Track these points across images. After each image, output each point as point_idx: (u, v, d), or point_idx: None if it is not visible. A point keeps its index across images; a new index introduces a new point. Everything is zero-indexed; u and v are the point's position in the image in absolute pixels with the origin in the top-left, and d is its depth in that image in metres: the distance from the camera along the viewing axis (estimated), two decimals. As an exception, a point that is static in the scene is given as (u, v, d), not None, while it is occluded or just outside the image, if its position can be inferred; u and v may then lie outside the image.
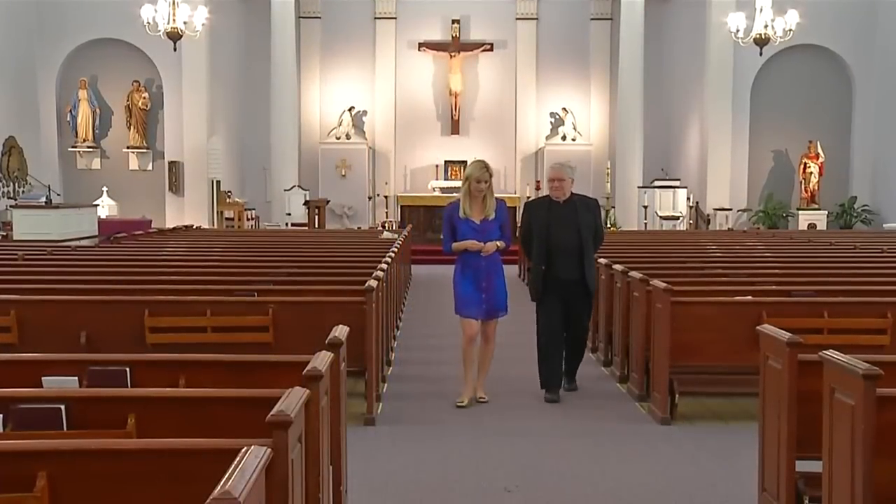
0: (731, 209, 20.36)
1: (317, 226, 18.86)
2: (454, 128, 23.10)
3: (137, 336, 5.92)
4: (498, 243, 6.74)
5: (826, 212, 20.26)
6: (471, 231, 6.69)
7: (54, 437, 3.12)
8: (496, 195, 6.92)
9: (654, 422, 6.33)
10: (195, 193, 20.09)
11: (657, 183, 19.79)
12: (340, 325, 4.38)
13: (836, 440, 3.54)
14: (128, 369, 3.93)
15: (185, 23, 16.27)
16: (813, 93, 20.59)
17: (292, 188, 20.80)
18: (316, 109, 23.38)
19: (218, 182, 20.50)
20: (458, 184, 22.01)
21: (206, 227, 18.71)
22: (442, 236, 6.88)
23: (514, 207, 18.23)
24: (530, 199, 6.80)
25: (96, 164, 20.19)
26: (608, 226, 20.15)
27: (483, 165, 6.72)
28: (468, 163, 7.08)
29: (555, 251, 6.84)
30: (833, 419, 3.57)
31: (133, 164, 20.32)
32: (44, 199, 14.80)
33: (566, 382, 7.18)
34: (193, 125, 19.80)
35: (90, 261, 9.71)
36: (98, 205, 17.96)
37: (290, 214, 20.46)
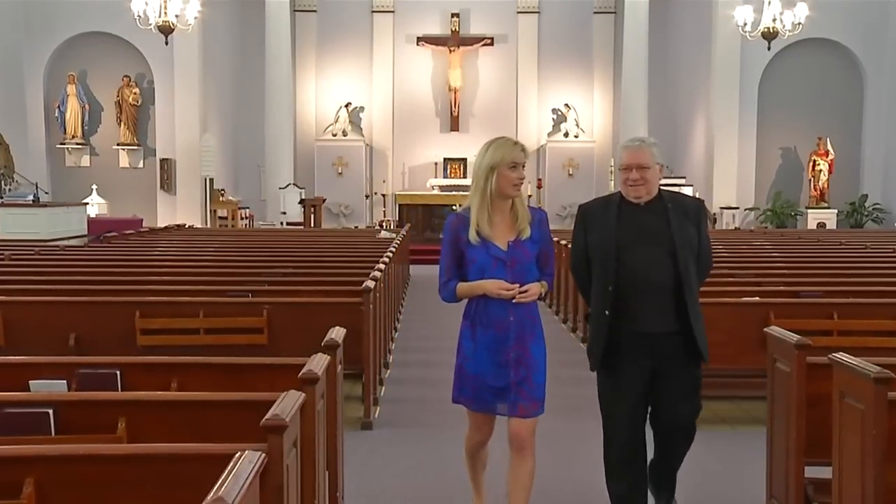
0: (737, 208, 20.11)
1: (313, 225, 18.81)
2: (454, 124, 23.04)
3: (128, 338, 5.86)
4: (539, 286, 3.94)
5: (836, 210, 20.00)
6: (491, 263, 3.88)
7: (42, 443, 3.10)
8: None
9: (659, 425, 6.05)
10: (187, 192, 19.88)
11: (662, 181, 19.26)
12: (337, 327, 4.33)
13: (846, 445, 3.50)
14: (118, 372, 3.89)
15: (176, 16, 16.12)
16: (822, 88, 20.28)
17: (287, 186, 20.68)
18: (312, 106, 23.33)
19: (211, 180, 20.36)
20: (459, 182, 22.00)
21: (199, 226, 18.64)
22: (439, 269, 4.03)
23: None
24: (587, 202, 4.41)
25: (85, 161, 19.99)
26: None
27: (521, 147, 3.97)
28: (490, 144, 3.96)
29: (630, 286, 4.01)
30: (843, 424, 3.52)
31: (123, 161, 20.10)
32: (31, 197, 14.89)
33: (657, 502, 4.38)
34: (186, 121, 19.61)
35: (79, 261, 9.61)
36: (87, 203, 17.92)
37: (285, 213, 20.37)
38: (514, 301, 3.85)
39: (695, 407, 4.22)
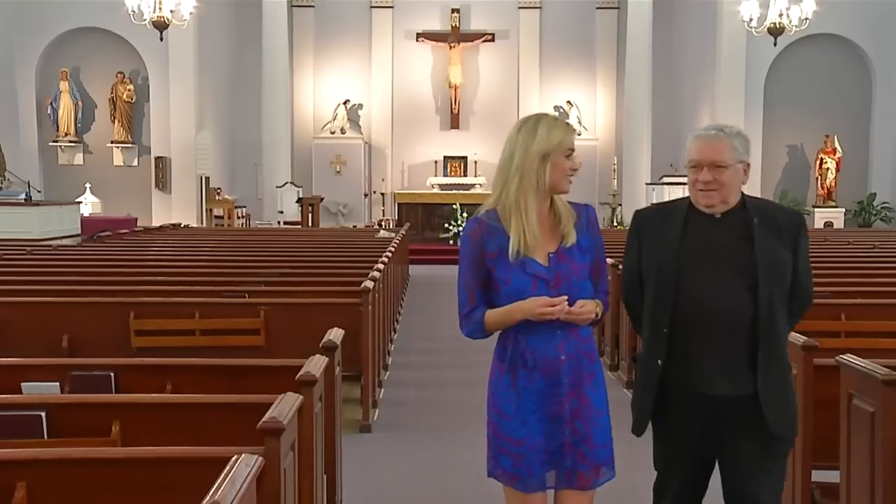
0: (743, 207, 19.76)
1: (310, 224, 18.76)
2: (454, 122, 22.84)
3: (122, 339, 5.88)
4: (594, 303, 2.91)
5: (843, 209, 19.86)
6: (530, 284, 2.85)
7: (34, 446, 3.08)
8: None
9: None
10: (183, 190, 19.69)
11: (666, 179, 19.25)
12: (335, 328, 4.35)
13: (854, 449, 3.48)
14: (112, 374, 3.90)
15: (171, 11, 15.98)
16: (830, 85, 20.08)
17: (285, 185, 20.55)
18: (309, 103, 23.14)
19: (207, 178, 20.18)
20: (460, 181, 21.80)
21: (195, 225, 18.54)
22: (458, 296, 2.97)
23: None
24: (644, 208, 3.27)
25: (79, 159, 19.77)
26: (614, 224, 19.46)
27: (570, 128, 2.93)
28: (535, 124, 2.87)
29: (689, 324, 2.96)
30: (851, 427, 3.50)
31: (117, 159, 19.90)
32: (23, 195, 14.73)
33: None
34: (181, 119, 19.41)
35: (72, 261, 9.61)
36: (81, 202, 17.73)
37: (282, 212, 20.26)
38: (561, 319, 2.80)
39: (775, 481, 3.04)
